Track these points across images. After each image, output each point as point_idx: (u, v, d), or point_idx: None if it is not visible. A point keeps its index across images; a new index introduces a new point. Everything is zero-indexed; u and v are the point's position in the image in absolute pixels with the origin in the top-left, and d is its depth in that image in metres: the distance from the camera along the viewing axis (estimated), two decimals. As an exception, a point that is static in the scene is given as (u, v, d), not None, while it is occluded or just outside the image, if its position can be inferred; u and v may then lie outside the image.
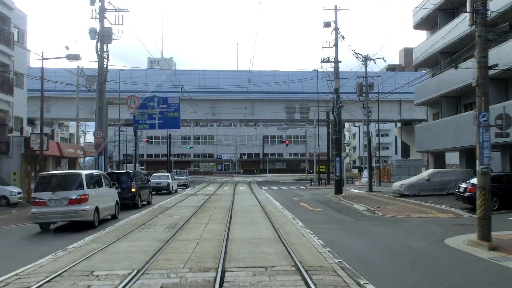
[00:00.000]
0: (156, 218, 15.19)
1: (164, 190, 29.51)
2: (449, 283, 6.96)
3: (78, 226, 13.21)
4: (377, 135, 40.72)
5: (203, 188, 37.00)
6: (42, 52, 18.02)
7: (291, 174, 75.00)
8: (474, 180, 16.87)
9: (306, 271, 7.30)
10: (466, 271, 7.92)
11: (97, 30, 24.06)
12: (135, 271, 7.42)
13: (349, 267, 7.73)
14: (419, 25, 29.00)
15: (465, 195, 16.75)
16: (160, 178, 30.52)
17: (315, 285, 6.50)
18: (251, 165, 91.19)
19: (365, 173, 39.46)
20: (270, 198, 24.69)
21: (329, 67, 31.57)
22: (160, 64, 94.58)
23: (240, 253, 8.96)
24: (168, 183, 29.65)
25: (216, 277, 6.95)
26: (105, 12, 24.46)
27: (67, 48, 25.17)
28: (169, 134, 66.65)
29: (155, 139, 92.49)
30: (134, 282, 6.80)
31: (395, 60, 74.04)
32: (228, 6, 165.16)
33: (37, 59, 19.93)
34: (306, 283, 6.59)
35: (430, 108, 29.81)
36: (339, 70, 27.21)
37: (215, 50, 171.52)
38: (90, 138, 72.10)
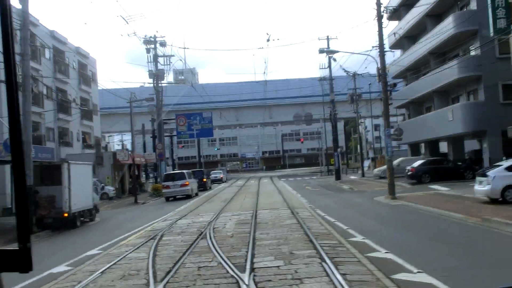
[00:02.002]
0: (214, 196, 24.93)
1: (219, 181, 44.96)
2: (360, 210, 15.93)
3: (180, 200, 23.32)
4: (373, 130, 48.96)
5: (235, 182, 46.41)
6: (130, 98, 27.45)
7: (309, 168, 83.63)
8: (415, 164, 25.72)
9: (293, 208, 16.37)
10: (372, 206, 16.87)
11: (153, 71, 33.77)
12: (217, 212, 16.65)
13: (314, 207, 16.78)
14: (393, 46, 37.42)
15: (408, 174, 25.38)
16: (216, 173, 46.18)
17: (295, 211, 15.52)
18: (272, 161, 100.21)
19: (365, 163, 47.97)
20: (285, 186, 33.77)
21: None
22: (184, 74, 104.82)
23: (264, 206, 18.11)
24: (222, 176, 45.77)
25: (253, 212, 16.09)
26: (158, 58, 34.15)
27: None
28: (199, 139, 76.42)
29: (184, 143, 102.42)
30: (219, 214, 16.03)
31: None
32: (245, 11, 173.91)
33: (126, 102, 28.67)
34: (292, 211, 15.64)
35: (406, 110, 38.26)
36: (337, 76, 36.56)
37: (234, 51, 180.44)
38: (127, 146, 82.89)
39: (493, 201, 14.67)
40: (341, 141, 69.11)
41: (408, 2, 33.64)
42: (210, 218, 14.89)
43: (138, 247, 10.27)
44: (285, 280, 6.61)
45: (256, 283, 6.51)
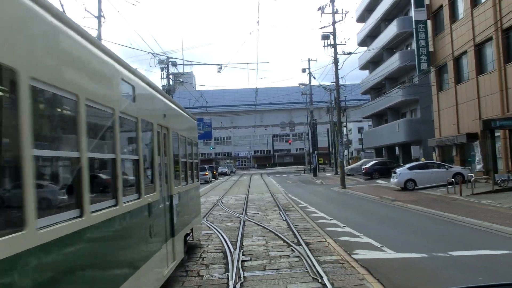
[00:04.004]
0: (216, 187, 32.81)
1: (224, 174, 56.84)
2: (316, 194, 24.00)
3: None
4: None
5: (230, 178, 54.48)
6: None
7: (297, 166, 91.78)
8: (368, 164, 33.92)
9: (273, 193, 24.39)
10: (325, 192, 24.93)
11: (166, 86, 41.61)
12: (222, 195, 24.61)
13: (287, 193, 24.82)
14: (362, 68, 45.64)
15: (364, 171, 33.49)
16: (222, 168, 57.67)
17: (274, 194, 23.50)
18: (263, 160, 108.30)
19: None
20: (271, 180, 41.80)
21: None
22: (182, 77, 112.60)
23: (253, 192, 26.09)
24: (227, 171, 57.83)
25: (246, 195, 24.06)
26: (170, 75, 42.01)
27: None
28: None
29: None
30: (223, 196, 24.01)
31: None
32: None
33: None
34: (272, 195, 23.64)
35: (371, 120, 46.49)
36: (318, 86, 44.49)
37: (229, 46, 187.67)
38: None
39: (402, 189, 22.79)
40: (324, 143, 77.54)
41: (373, 34, 41.87)
42: (218, 198, 22.85)
43: (181, 209, 18.20)
44: (260, 216, 14.65)
45: (248, 216, 14.53)
